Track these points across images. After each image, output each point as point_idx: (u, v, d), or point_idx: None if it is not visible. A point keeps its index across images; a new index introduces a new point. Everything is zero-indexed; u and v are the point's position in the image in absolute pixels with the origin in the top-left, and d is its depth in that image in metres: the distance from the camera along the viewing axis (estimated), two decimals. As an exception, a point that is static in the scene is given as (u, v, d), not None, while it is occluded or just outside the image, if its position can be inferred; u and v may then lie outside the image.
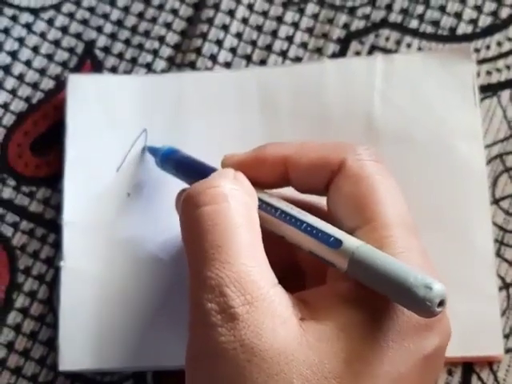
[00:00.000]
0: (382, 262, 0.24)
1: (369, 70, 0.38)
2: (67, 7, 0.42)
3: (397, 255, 0.25)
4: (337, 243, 0.26)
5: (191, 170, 0.34)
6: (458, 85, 0.38)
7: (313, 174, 0.29)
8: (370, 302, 0.25)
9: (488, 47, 0.39)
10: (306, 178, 0.30)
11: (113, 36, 0.41)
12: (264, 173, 0.30)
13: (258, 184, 0.30)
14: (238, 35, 0.41)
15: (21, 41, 0.41)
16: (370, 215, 0.27)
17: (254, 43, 0.41)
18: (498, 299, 0.35)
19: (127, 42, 0.41)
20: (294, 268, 0.32)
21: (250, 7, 0.41)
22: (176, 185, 0.35)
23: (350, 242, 0.26)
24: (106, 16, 0.42)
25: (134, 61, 0.41)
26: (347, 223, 0.28)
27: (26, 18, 0.42)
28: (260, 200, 0.29)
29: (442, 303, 0.23)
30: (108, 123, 0.39)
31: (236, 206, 0.27)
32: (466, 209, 0.36)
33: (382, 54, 0.39)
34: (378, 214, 0.27)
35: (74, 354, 0.35)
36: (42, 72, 0.41)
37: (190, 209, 0.27)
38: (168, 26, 0.41)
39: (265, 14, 0.41)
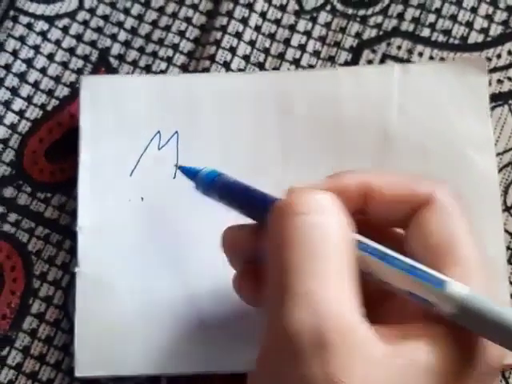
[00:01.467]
0: (493, 310, 0.24)
1: (385, 79, 0.39)
2: (82, 15, 0.43)
3: None
4: (442, 284, 0.25)
5: (245, 196, 0.31)
6: (472, 95, 0.38)
7: (396, 206, 0.28)
8: (461, 342, 0.24)
9: (499, 56, 0.40)
10: (387, 210, 0.28)
11: (127, 44, 0.42)
12: (342, 203, 0.28)
13: None
14: (251, 43, 0.41)
15: (36, 48, 0.42)
16: (454, 258, 0.26)
17: (266, 51, 0.41)
18: (510, 306, 0.35)
19: (141, 50, 0.42)
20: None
21: (263, 15, 0.42)
22: (189, 188, 0.35)
23: (457, 285, 0.24)
24: (120, 24, 0.43)
25: (148, 68, 0.42)
26: (427, 261, 0.26)
27: (41, 25, 0.42)
28: None
29: None
30: (121, 125, 0.39)
31: (335, 222, 0.25)
32: (479, 217, 0.36)
33: (399, 64, 0.40)
34: (464, 259, 0.26)
35: (89, 360, 0.36)
36: (57, 79, 0.42)
37: (286, 216, 0.25)
38: (181, 33, 0.42)
39: (277, 22, 0.42)
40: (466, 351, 0.24)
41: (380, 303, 0.28)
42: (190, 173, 0.33)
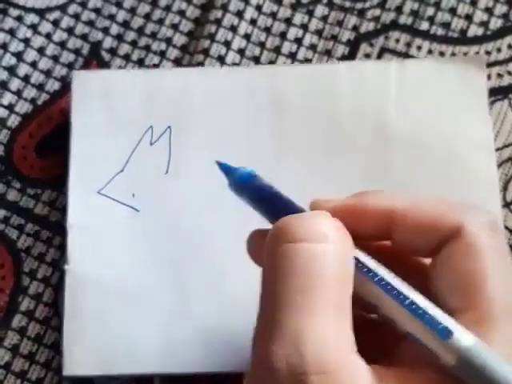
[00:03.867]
0: (497, 368, 0.22)
1: (382, 75, 0.39)
2: (73, 8, 0.43)
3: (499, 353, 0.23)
4: (446, 333, 0.23)
5: (274, 204, 0.30)
6: (471, 92, 0.39)
7: (421, 235, 0.26)
8: None
9: (499, 50, 0.41)
10: (412, 239, 0.27)
11: (119, 37, 0.43)
12: (363, 224, 0.27)
13: (353, 236, 0.27)
14: (247, 36, 0.42)
15: (26, 42, 0.42)
16: (477, 300, 0.24)
17: (262, 45, 0.42)
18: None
19: (134, 44, 0.42)
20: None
21: (259, 8, 0.42)
22: (186, 185, 0.36)
23: (462, 336, 0.23)
24: (112, 17, 0.43)
25: (140, 62, 0.42)
26: (449, 300, 0.25)
27: (31, 18, 0.43)
28: (357, 259, 0.26)
29: None
30: (113, 120, 0.39)
31: (335, 252, 0.24)
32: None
33: (396, 59, 0.40)
34: (487, 302, 0.24)
35: (78, 359, 0.36)
36: (48, 73, 0.42)
37: (280, 242, 0.25)
38: (175, 27, 0.42)
39: (273, 15, 0.42)
40: None
41: (395, 343, 0.27)
42: (227, 169, 0.33)
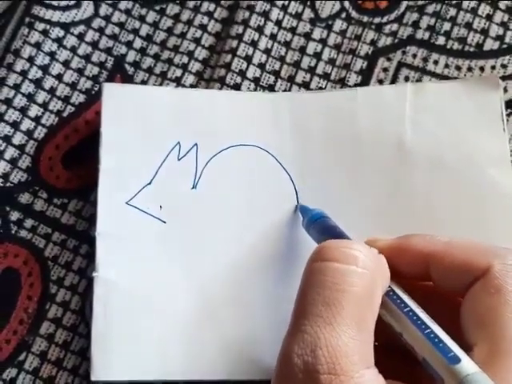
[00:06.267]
0: None
1: (398, 97, 0.41)
2: (97, 22, 0.45)
3: None
4: (455, 360, 0.26)
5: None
6: (486, 112, 0.41)
7: (455, 275, 0.29)
8: None
9: (515, 63, 0.43)
10: (447, 279, 0.30)
11: (142, 51, 0.45)
12: (405, 263, 0.31)
13: (397, 273, 0.31)
14: (267, 51, 0.44)
15: (52, 55, 0.44)
16: (493, 334, 0.27)
17: (282, 59, 0.44)
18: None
19: (156, 57, 0.44)
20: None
21: (279, 23, 0.44)
22: (209, 198, 0.38)
23: (467, 364, 0.26)
24: (135, 31, 0.45)
25: (163, 75, 0.44)
26: (470, 335, 0.28)
27: (56, 32, 0.45)
28: (391, 289, 0.30)
29: None
30: (142, 134, 0.41)
31: (363, 275, 0.28)
32: (495, 232, 0.39)
33: (411, 82, 0.42)
34: (503, 337, 0.26)
35: (106, 365, 0.38)
36: (73, 86, 0.44)
37: (316, 260, 0.29)
38: (197, 41, 0.45)
39: (293, 30, 0.44)
40: None
41: (416, 372, 0.30)
42: (305, 211, 0.39)
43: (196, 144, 0.41)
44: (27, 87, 0.44)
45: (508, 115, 0.41)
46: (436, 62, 0.43)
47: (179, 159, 0.41)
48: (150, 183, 0.40)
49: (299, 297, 0.28)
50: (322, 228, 0.36)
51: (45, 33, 0.45)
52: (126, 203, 0.40)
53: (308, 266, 0.29)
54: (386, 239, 0.32)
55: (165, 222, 0.40)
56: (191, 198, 0.40)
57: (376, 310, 0.28)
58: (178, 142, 0.41)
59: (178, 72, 0.44)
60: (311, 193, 0.40)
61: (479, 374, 0.25)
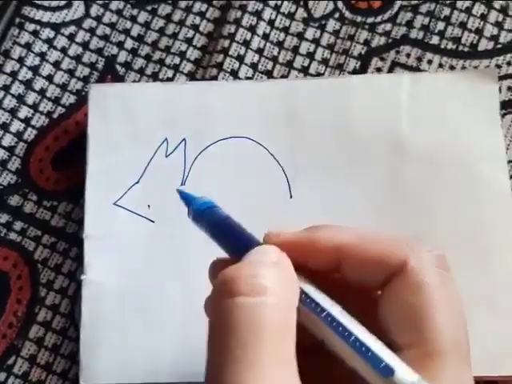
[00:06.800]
0: None
1: (395, 88, 0.41)
2: (88, 23, 0.45)
3: None
4: (387, 371, 0.24)
5: (228, 236, 0.31)
6: (483, 105, 0.40)
7: (368, 270, 0.27)
8: None
9: (509, 63, 0.42)
10: (360, 273, 0.28)
11: (133, 51, 0.44)
12: (313, 258, 0.28)
13: (305, 269, 0.28)
14: (259, 51, 0.44)
15: (42, 56, 0.44)
16: (424, 336, 0.26)
17: (275, 59, 0.44)
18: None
19: (148, 58, 0.44)
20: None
21: (271, 23, 0.44)
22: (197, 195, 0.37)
23: (403, 374, 0.24)
24: (126, 31, 0.45)
25: (154, 76, 0.44)
26: (396, 336, 0.26)
27: (47, 33, 0.45)
28: (304, 292, 0.27)
29: None
30: (129, 133, 0.41)
31: (274, 303, 0.25)
32: (492, 229, 0.39)
33: (409, 72, 0.42)
34: (434, 338, 0.25)
35: (95, 369, 0.37)
36: (63, 87, 0.44)
37: (223, 296, 0.26)
38: (189, 41, 0.44)
39: (286, 29, 0.44)
40: None
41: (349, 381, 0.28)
42: (187, 198, 0.34)
43: (184, 139, 0.41)
44: (17, 88, 0.44)
45: (502, 116, 0.41)
46: (430, 62, 0.43)
47: (167, 156, 0.41)
48: (137, 182, 0.40)
49: (212, 341, 0.26)
50: (214, 223, 0.31)
51: (35, 33, 0.45)
52: (114, 204, 0.40)
53: (213, 305, 0.26)
54: (290, 233, 0.29)
55: (153, 222, 0.40)
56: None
57: (293, 333, 0.25)
58: (166, 139, 0.41)
59: (170, 73, 0.44)
60: (304, 185, 0.40)
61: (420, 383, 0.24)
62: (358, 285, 0.28)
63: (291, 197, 0.40)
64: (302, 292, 0.27)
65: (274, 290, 0.25)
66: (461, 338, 0.26)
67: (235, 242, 0.30)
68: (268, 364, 0.24)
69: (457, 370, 0.25)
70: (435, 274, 0.26)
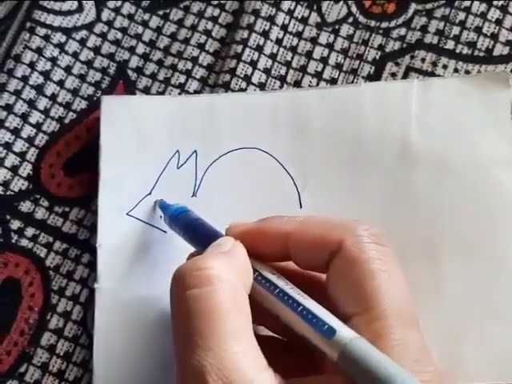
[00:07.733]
0: (372, 358, 0.25)
1: (405, 94, 0.41)
2: (99, 27, 0.45)
3: (392, 348, 0.27)
4: (330, 332, 0.27)
5: (196, 234, 0.35)
6: (495, 111, 0.40)
7: (312, 252, 0.31)
8: None
9: (525, 68, 0.42)
10: (305, 256, 0.31)
11: (145, 56, 0.44)
12: (265, 246, 0.32)
13: (260, 256, 0.32)
14: (273, 56, 0.44)
15: (53, 61, 0.44)
16: (367, 304, 0.28)
17: (288, 64, 0.44)
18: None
19: (160, 63, 0.44)
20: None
21: (285, 28, 0.44)
22: (209, 205, 0.39)
23: (343, 333, 0.27)
24: (138, 36, 0.45)
25: (166, 81, 0.44)
26: (344, 308, 0.29)
27: (58, 37, 0.45)
28: (259, 274, 0.31)
29: None
30: (141, 144, 0.41)
31: (222, 289, 0.28)
32: (501, 233, 0.39)
33: (418, 79, 0.42)
34: (376, 304, 0.28)
35: (108, 376, 0.37)
36: (75, 92, 0.44)
37: (177, 290, 0.29)
38: (201, 46, 0.44)
39: (299, 34, 0.44)
40: None
41: (307, 354, 0.31)
42: (164, 207, 0.39)
43: (195, 151, 0.41)
44: (28, 93, 0.44)
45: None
46: (445, 67, 0.43)
47: (178, 167, 0.41)
48: (149, 193, 0.41)
49: (173, 331, 0.29)
50: (185, 224, 0.36)
51: (46, 38, 0.45)
52: (127, 214, 0.40)
53: (172, 297, 0.30)
54: (247, 224, 0.33)
55: (165, 232, 0.40)
56: (191, 206, 0.39)
57: (247, 312, 0.29)
58: (177, 151, 0.41)
59: (182, 78, 0.44)
60: (314, 195, 0.40)
61: (356, 340, 0.26)
62: (307, 267, 0.32)
63: (301, 207, 0.40)
64: (259, 274, 0.31)
65: (220, 277, 0.28)
66: (402, 303, 0.28)
67: (203, 238, 0.34)
68: (225, 344, 0.27)
69: (401, 331, 0.27)
70: (371, 249, 0.29)
